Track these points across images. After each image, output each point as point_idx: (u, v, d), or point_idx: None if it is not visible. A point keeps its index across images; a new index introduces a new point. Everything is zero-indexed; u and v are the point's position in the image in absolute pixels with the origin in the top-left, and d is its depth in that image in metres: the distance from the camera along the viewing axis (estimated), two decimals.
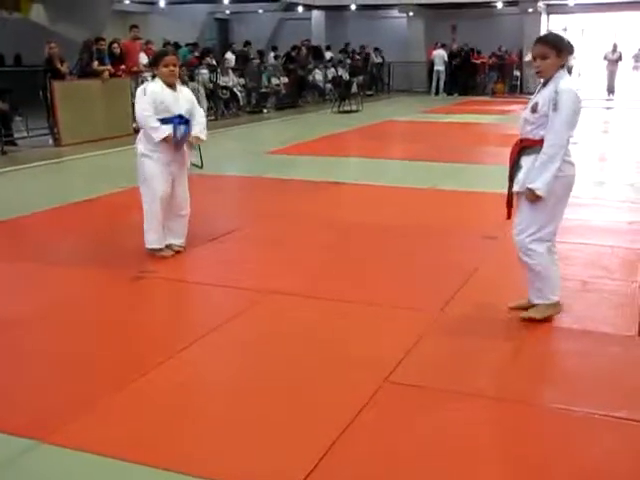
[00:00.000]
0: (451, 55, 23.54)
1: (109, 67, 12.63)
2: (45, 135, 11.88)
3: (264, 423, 3.04)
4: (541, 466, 2.73)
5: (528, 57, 23.54)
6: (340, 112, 17.45)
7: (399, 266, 5.22)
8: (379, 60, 24.68)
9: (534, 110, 3.92)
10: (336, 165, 9.96)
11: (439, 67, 23.40)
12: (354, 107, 17.78)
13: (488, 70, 24.38)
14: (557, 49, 3.88)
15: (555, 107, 3.79)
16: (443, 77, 23.61)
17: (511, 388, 3.35)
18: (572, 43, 4.03)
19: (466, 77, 23.96)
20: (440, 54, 23.29)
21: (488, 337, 3.94)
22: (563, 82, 3.86)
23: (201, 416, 3.13)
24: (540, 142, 3.88)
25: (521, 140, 4.05)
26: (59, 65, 11.83)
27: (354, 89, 18.76)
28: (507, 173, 4.08)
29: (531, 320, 4.09)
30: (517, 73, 24.34)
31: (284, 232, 6.18)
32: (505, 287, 4.75)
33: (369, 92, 22.58)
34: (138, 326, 4.24)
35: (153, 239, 5.35)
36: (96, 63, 12.40)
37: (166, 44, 16.85)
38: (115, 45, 13.28)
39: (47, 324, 4.17)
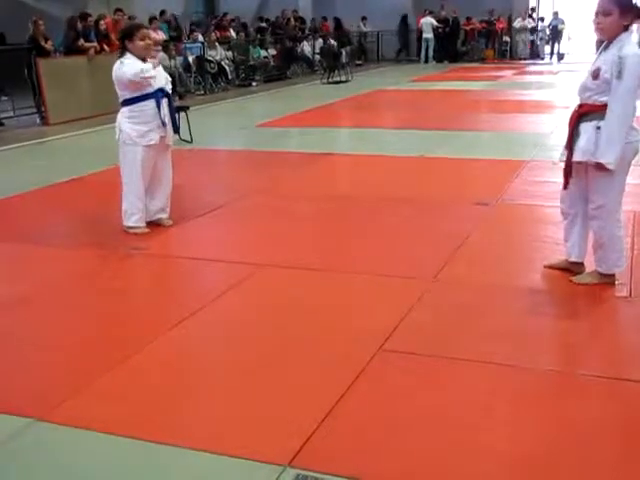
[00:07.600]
0: (439, 22, 23.32)
1: (95, 44, 12.50)
2: (32, 114, 11.76)
3: (257, 396, 3.03)
4: (539, 429, 2.74)
5: (517, 23, 23.44)
6: (329, 83, 17.32)
7: (391, 235, 5.20)
8: (367, 29, 24.47)
9: (595, 76, 3.63)
10: (326, 136, 9.89)
11: (427, 35, 23.21)
12: (343, 77, 17.64)
13: (477, 36, 24.22)
14: (622, 6, 3.54)
15: (619, 74, 3.50)
16: (432, 45, 23.43)
17: (505, 353, 3.35)
18: None
19: (455, 44, 23.79)
20: (428, 22, 23.08)
21: (482, 303, 3.94)
22: (628, 46, 3.56)
23: (195, 391, 3.12)
24: (599, 108, 3.63)
25: (580, 106, 3.80)
26: (43, 42, 11.69)
27: (343, 59, 18.62)
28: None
29: (582, 285, 4.05)
30: (507, 39, 24.21)
31: (275, 205, 6.15)
32: (497, 253, 4.75)
33: (358, 62, 22.40)
34: (130, 304, 4.23)
35: (136, 218, 5.29)
36: (82, 40, 12.26)
37: (152, 19, 16.64)
38: (102, 22, 13.12)
39: (38, 305, 4.13)
